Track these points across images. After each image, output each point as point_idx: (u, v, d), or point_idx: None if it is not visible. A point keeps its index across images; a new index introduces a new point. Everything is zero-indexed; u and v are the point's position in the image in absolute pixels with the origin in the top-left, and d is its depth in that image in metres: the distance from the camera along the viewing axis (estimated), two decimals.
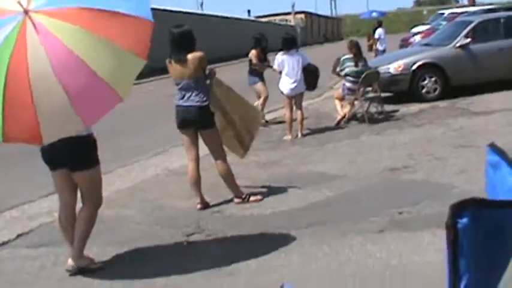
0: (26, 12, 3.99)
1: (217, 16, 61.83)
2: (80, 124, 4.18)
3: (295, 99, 12.50)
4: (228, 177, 7.82)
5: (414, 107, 14.60)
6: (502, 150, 1.65)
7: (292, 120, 12.52)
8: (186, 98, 7.49)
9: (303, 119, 12.63)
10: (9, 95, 4.02)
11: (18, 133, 4.23)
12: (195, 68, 7.39)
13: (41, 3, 4.03)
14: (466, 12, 31.26)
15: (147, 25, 4.16)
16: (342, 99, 13.43)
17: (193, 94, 7.44)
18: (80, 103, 4.03)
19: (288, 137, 12.41)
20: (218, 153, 7.75)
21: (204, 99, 7.46)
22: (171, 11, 49.75)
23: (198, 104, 7.44)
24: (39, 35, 3.95)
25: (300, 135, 12.43)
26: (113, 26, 4.03)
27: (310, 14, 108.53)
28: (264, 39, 14.21)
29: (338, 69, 13.35)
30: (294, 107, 12.54)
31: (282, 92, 12.55)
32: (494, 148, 1.65)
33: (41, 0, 4.05)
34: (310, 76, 12.41)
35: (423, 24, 39.91)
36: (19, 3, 4.00)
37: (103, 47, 4.01)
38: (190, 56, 7.38)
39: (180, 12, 51.96)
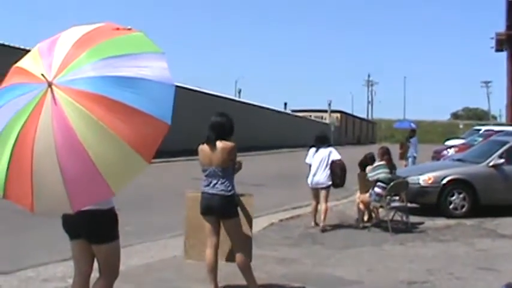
0: (49, 84, 4.06)
1: (254, 105, 62.51)
2: (68, 207, 4.16)
3: (320, 192, 13.36)
4: (246, 270, 7.72)
5: (440, 222, 14.47)
6: None
7: (316, 210, 13.53)
8: (211, 185, 7.51)
9: (326, 211, 13.28)
10: (15, 156, 4.08)
11: (15, 195, 4.24)
12: (223, 157, 7.42)
13: (65, 79, 4.04)
14: (503, 131, 31.29)
15: (162, 128, 4.09)
16: (367, 204, 13.45)
17: (219, 182, 7.45)
18: (72, 187, 4.03)
19: (312, 224, 13.50)
20: (239, 244, 7.68)
21: (229, 188, 7.46)
22: (211, 94, 50.58)
23: (222, 192, 7.44)
24: (53, 111, 4.00)
25: (321, 224, 13.17)
26: (127, 122, 3.99)
27: (346, 114, 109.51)
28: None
29: (369, 175, 13.40)
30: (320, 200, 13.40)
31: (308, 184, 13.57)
32: None
33: (67, 76, 4.06)
34: (336, 171, 13.15)
35: (458, 138, 39.97)
36: (43, 75, 4.06)
37: (109, 141, 3.97)
38: (221, 144, 7.43)
39: (219, 97, 52.72)
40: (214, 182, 7.48)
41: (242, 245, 7.70)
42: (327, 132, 15.43)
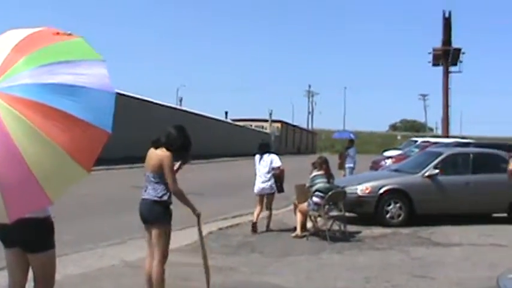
0: None
1: (196, 114, 62.29)
2: (4, 216, 4.09)
3: (265, 198, 14.04)
4: (158, 283, 7.44)
5: (377, 230, 14.68)
6: None
7: (258, 215, 13.99)
8: (145, 190, 7.46)
9: (270, 216, 14.27)
10: None
11: None
12: (156, 163, 7.37)
13: (2, 85, 3.91)
14: (438, 142, 31.95)
15: (102, 136, 3.99)
16: (305, 214, 13.57)
17: (151, 188, 7.39)
18: (8, 195, 3.94)
19: (254, 220, 14.00)
20: (159, 254, 7.45)
21: (160, 194, 7.33)
22: (152, 102, 50.45)
23: (151, 198, 7.36)
24: None
25: (266, 228, 14.02)
26: (65, 130, 3.90)
27: (287, 123, 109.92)
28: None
29: (307, 185, 13.57)
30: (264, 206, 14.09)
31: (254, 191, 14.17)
32: None
33: (4, 83, 3.93)
34: (276, 178, 13.91)
35: (395, 148, 40.59)
36: None
37: (46, 148, 3.87)
38: (159, 151, 7.40)
39: (161, 105, 52.59)
40: (148, 187, 7.43)
41: (162, 256, 7.45)
42: (267, 140, 16.08)
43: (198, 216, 7.57)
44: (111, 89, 4.16)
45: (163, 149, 7.39)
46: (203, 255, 7.83)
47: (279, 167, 13.98)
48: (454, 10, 69.82)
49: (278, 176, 13.97)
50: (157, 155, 7.40)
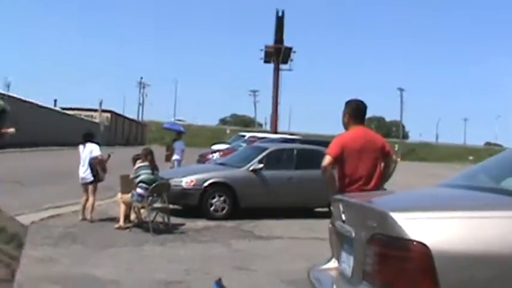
0: None
1: (21, 100, 60.07)
2: None
3: (88, 186, 14.22)
4: None
5: (200, 223, 14.85)
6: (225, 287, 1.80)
7: (85, 205, 14.18)
8: None
9: (93, 205, 14.32)
10: None
11: None
12: None
13: None
14: (265, 138, 32.74)
15: None
16: (129, 205, 13.50)
17: None
18: None
19: (80, 217, 14.13)
20: None
21: None
22: None
23: None
24: None
25: (89, 217, 14.08)
26: None
27: (117, 114, 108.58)
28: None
29: (132, 176, 13.49)
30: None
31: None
32: (219, 284, 1.80)
33: None
34: (92, 167, 14.12)
35: (224, 142, 41.18)
36: None
37: None
38: None
39: None
40: None
41: None
42: (92, 130, 16.36)
43: None
44: None
45: None
46: None
47: (96, 157, 14.16)
48: (287, 9, 71.67)
49: (94, 165, 14.09)
50: None
